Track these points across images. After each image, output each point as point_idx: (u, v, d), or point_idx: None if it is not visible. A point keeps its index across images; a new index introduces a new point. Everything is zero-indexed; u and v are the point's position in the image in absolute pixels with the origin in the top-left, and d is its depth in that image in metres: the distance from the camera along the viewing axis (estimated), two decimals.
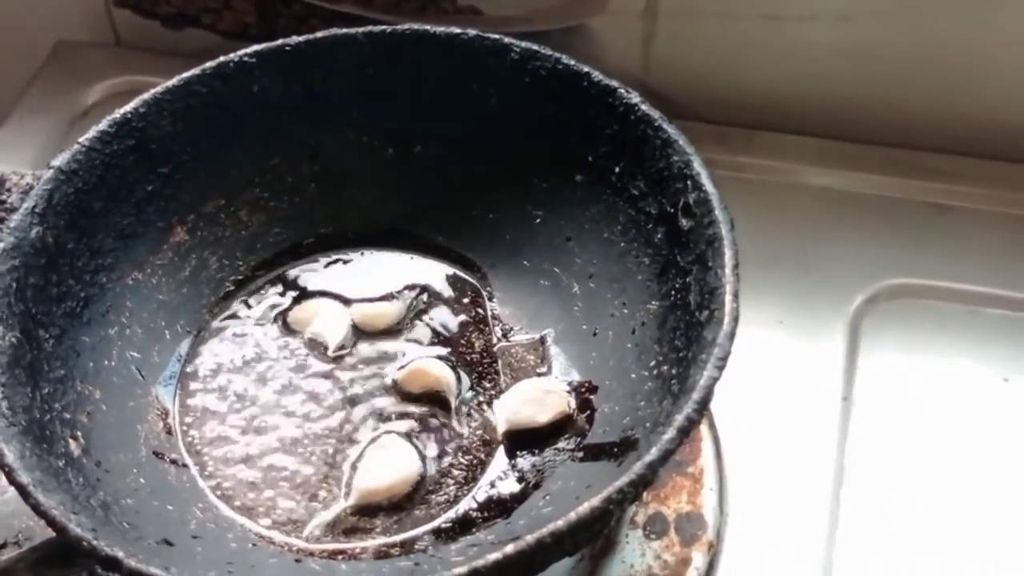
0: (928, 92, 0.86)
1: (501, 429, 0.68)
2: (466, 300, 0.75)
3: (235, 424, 0.69)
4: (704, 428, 0.73)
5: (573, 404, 0.68)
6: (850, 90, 0.87)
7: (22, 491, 0.56)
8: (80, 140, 0.69)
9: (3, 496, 0.70)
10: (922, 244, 0.83)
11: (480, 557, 0.53)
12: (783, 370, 0.76)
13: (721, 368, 0.58)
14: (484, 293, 0.75)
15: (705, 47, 0.88)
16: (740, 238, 0.61)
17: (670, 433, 0.56)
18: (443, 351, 0.72)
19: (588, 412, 0.67)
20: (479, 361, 0.72)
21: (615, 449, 0.64)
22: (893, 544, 0.69)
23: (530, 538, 0.53)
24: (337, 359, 0.72)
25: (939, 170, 0.87)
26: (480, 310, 0.74)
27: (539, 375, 0.71)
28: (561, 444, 0.67)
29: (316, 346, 0.73)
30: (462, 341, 0.73)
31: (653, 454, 0.55)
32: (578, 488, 0.63)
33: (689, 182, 0.65)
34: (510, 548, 0.53)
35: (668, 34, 0.88)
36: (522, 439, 0.68)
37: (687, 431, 0.56)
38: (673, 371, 0.63)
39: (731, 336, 0.59)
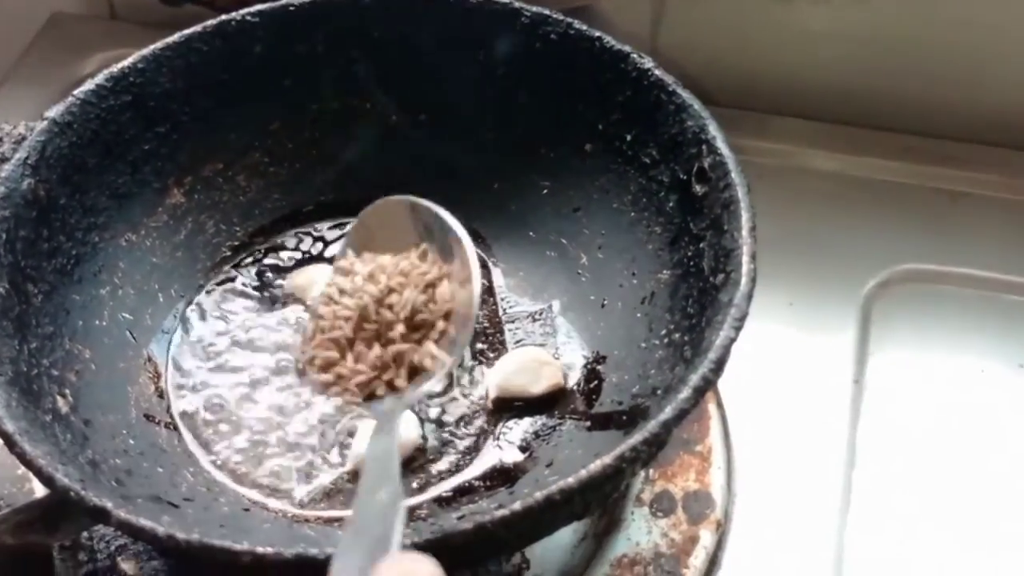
0: (943, 78, 0.84)
1: (491, 395, 0.66)
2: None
3: (228, 390, 0.67)
4: (712, 407, 0.71)
5: (569, 377, 0.67)
6: (863, 75, 0.85)
7: (7, 439, 0.54)
8: (75, 93, 0.67)
9: None
10: (935, 230, 0.81)
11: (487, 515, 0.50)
12: (793, 352, 0.75)
13: (739, 328, 0.56)
14: (489, 263, 0.73)
15: (715, 30, 0.86)
16: None
17: (685, 392, 0.54)
18: None
19: (596, 382, 0.65)
20: (483, 331, 0.70)
21: (624, 418, 0.62)
22: (905, 527, 0.68)
23: (539, 495, 0.51)
24: None
25: (952, 156, 0.86)
26: (484, 280, 0.72)
27: (543, 345, 0.69)
28: (568, 413, 0.65)
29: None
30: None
31: (668, 413, 0.53)
32: (586, 457, 0.60)
33: (704, 146, 0.63)
34: (517, 505, 0.51)
35: (677, 16, 0.86)
36: (526, 408, 0.65)
37: (703, 390, 0.54)
38: (686, 338, 0.61)
39: (748, 296, 0.57)
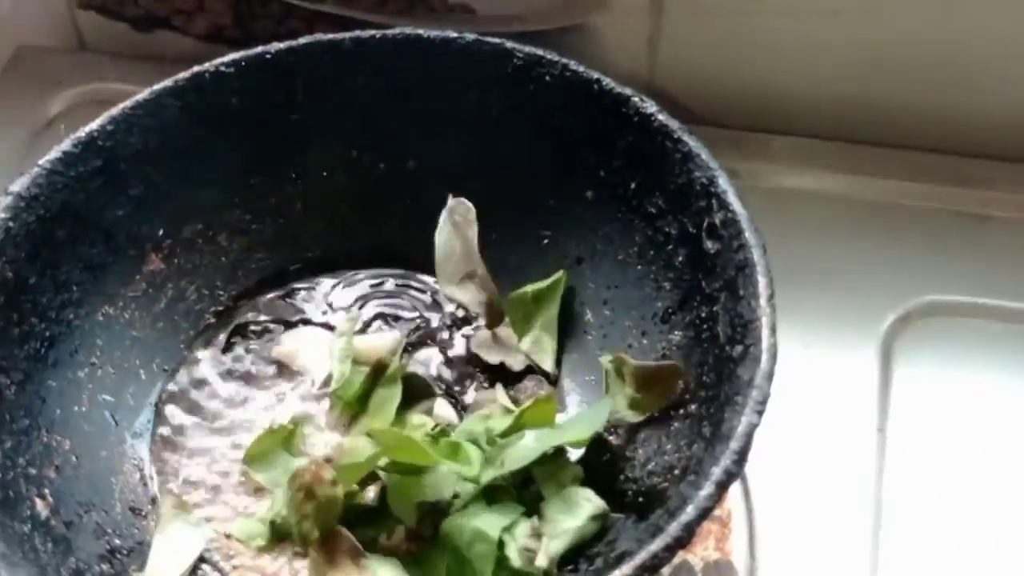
0: (962, 92, 0.80)
1: None
2: (467, 328, 0.69)
3: (220, 475, 0.63)
4: None
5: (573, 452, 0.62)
6: (875, 91, 0.81)
7: None
8: (40, 162, 0.62)
9: None
10: (958, 257, 0.77)
11: None
12: (811, 400, 0.71)
13: (761, 413, 0.53)
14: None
15: (716, 46, 0.82)
16: None
17: (707, 489, 0.51)
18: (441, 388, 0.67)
19: (607, 455, 0.61)
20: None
21: (639, 500, 0.58)
22: None
23: None
24: (324, 394, 0.66)
25: (975, 176, 0.81)
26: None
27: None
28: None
29: (303, 381, 0.67)
30: (464, 377, 0.67)
31: (690, 513, 0.50)
32: (601, 546, 0.58)
33: (714, 200, 0.60)
34: None
35: (675, 32, 0.82)
36: None
37: (726, 485, 0.51)
38: (703, 411, 0.57)
39: (770, 376, 0.54)
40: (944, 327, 0.74)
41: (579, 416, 0.64)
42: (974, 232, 0.79)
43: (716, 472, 0.51)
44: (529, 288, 0.67)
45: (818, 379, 0.72)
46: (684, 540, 0.50)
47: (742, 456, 0.52)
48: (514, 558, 0.56)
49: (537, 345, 0.67)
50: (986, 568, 0.65)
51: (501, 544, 0.56)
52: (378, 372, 0.64)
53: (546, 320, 0.67)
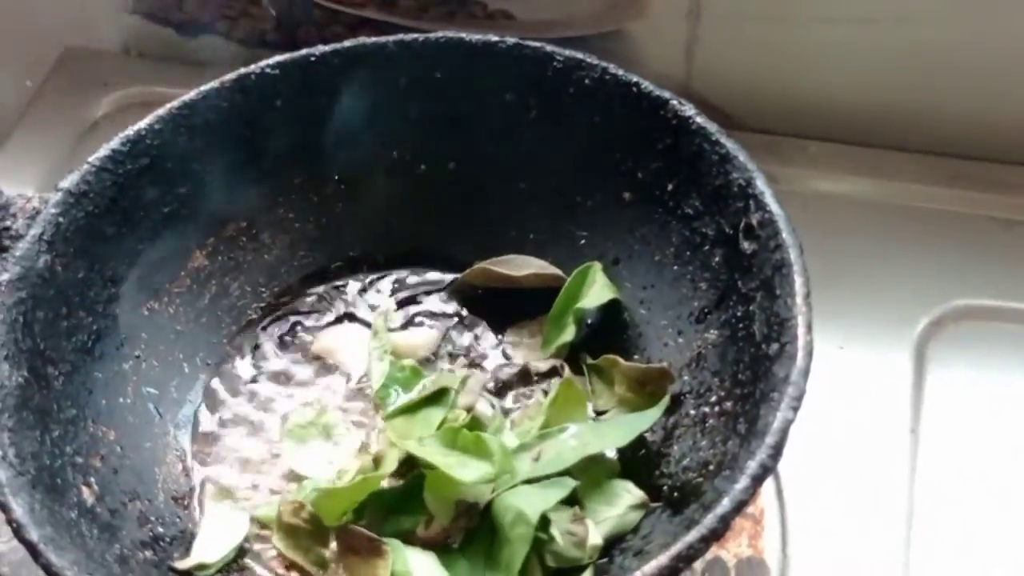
0: (995, 99, 0.80)
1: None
2: (506, 323, 0.70)
3: (263, 465, 0.65)
4: None
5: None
6: (909, 97, 0.82)
7: (32, 550, 0.52)
8: (90, 160, 0.64)
9: (11, 543, 0.65)
10: (991, 262, 0.77)
11: None
12: (845, 400, 0.71)
13: (796, 409, 0.53)
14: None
15: (753, 52, 0.82)
16: None
17: (743, 482, 0.51)
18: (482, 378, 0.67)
19: (643, 451, 0.62)
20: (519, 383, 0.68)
21: (675, 495, 0.59)
22: None
23: None
24: (361, 390, 0.67)
25: (1008, 182, 0.82)
26: (521, 336, 0.69)
27: None
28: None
29: (341, 376, 0.68)
30: (503, 370, 0.68)
31: (725, 505, 0.51)
32: (636, 538, 0.58)
33: (752, 201, 0.60)
34: None
35: (713, 38, 0.82)
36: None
37: (761, 479, 0.52)
38: (738, 408, 0.58)
39: (806, 373, 0.54)
40: (976, 331, 0.74)
41: (620, 420, 0.64)
42: (1006, 237, 0.79)
43: (752, 466, 0.52)
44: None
45: (852, 380, 0.72)
46: (719, 532, 0.51)
47: (777, 451, 0.52)
48: (559, 541, 0.57)
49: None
50: (1018, 568, 0.65)
51: (545, 526, 0.57)
52: (436, 396, 0.65)
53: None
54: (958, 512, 0.67)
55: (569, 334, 0.67)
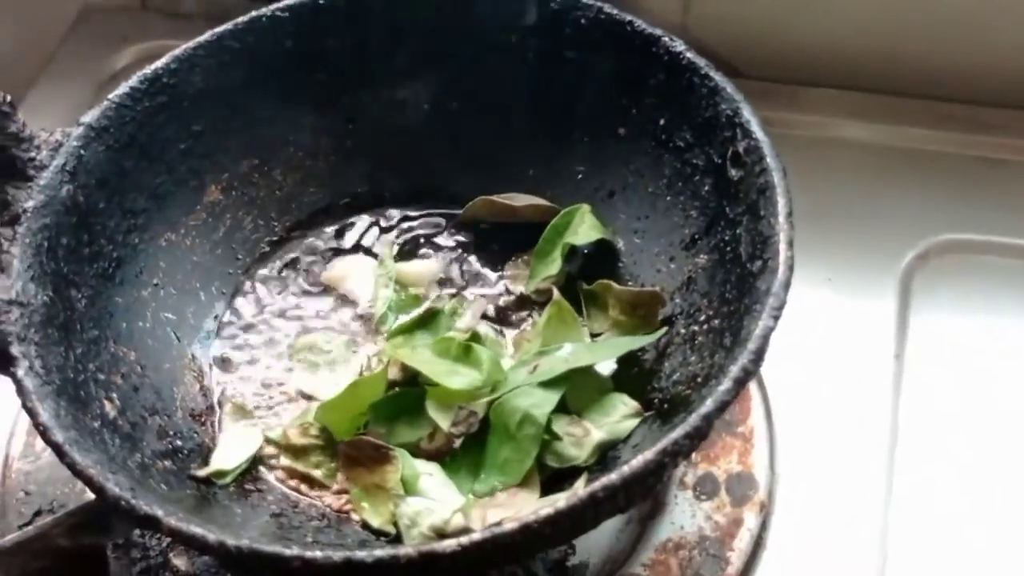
0: (980, 43, 0.83)
1: None
2: (507, 256, 0.73)
3: (274, 386, 0.68)
4: (753, 387, 0.71)
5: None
6: (898, 43, 0.84)
7: (57, 450, 0.54)
8: (110, 96, 0.67)
9: (37, 463, 0.69)
10: (974, 199, 0.80)
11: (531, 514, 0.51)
12: (833, 328, 0.74)
13: (777, 318, 0.56)
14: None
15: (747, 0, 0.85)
16: None
17: (726, 384, 0.54)
18: (482, 305, 0.71)
19: (636, 369, 0.65)
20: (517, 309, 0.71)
21: (665, 406, 0.62)
22: (950, 503, 0.67)
23: (582, 493, 0.51)
24: (366, 317, 0.71)
25: (991, 124, 0.84)
26: (520, 267, 0.72)
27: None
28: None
29: (349, 304, 0.71)
30: (501, 298, 0.71)
31: (709, 405, 0.54)
32: (627, 448, 0.61)
33: (738, 130, 0.63)
34: (562, 503, 0.51)
35: None
36: None
37: (743, 381, 0.54)
38: (725, 324, 0.61)
39: (786, 285, 0.57)
40: (960, 263, 0.77)
41: (614, 341, 0.67)
42: (990, 175, 0.82)
43: (734, 370, 0.54)
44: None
45: (840, 310, 0.75)
46: (703, 430, 0.53)
47: (759, 356, 0.55)
48: (561, 440, 0.60)
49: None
50: (993, 481, 0.68)
51: (548, 427, 0.60)
52: (427, 317, 0.69)
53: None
54: (940, 431, 0.70)
55: (555, 267, 0.70)
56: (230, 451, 0.64)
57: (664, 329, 0.65)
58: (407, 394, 0.64)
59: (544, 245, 0.70)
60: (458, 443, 0.63)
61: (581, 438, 0.61)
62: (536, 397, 0.61)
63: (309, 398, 0.67)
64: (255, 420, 0.66)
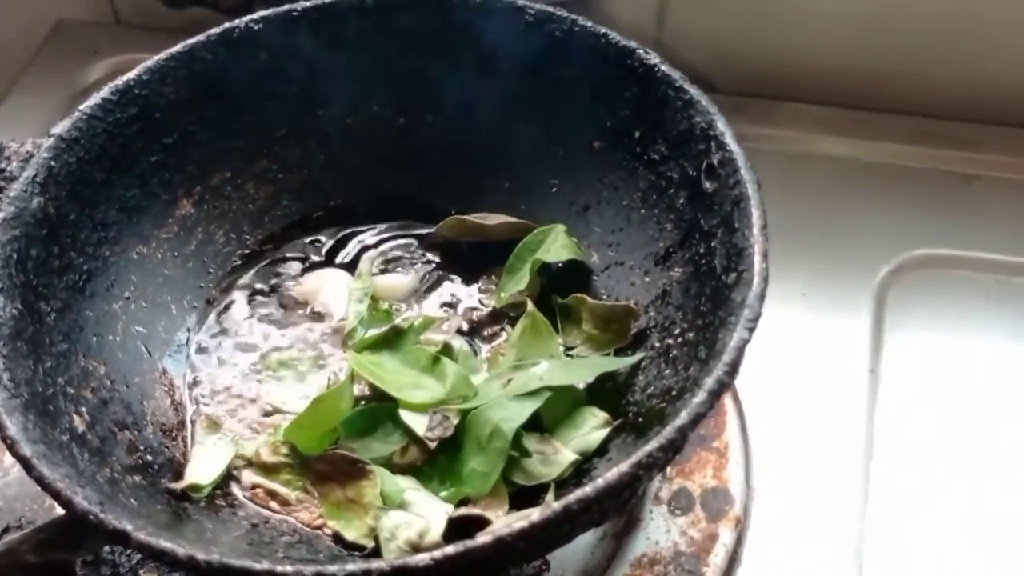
0: (953, 59, 0.84)
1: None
2: (481, 271, 0.73)
3: (244, 400, 0.67)
4: (729, 402, 0.71)
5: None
6: (873, 59, 0.85)
7: (25, 464, 0.54)
8: (81, 108, 0.66)
9: (5, 478, 0.68)
10: (948, 214, 0.81)
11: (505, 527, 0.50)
12: (808, 343, 0.74)
13: (752, 330, 0.56)
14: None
15: (722, 15, 0.86)
16: None
17: (700, 396, 0.54)
18: (457, 321, 0.70)
19: (610, 383, 0.65)
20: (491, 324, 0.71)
21: (639, 420, 0.61)
22: (925, 517, 0.67)
23: (556, 505, 0.51)
24: (338, 331, 0.70)
25: (965, 139, 0.85)
26: (495, 283, 0.72)
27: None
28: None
29: (322, 318, 0.71)
30: (475, 313, 0.71)
31: (683, 418, 0.53)
32: (602, 462, 0.61)
33: (712, 143, 0.63)
34: (536, 516, 0.50)
35: (683, 2, 0.85)
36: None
37: (718, 394, 0.54)
38: (699, 337, 0.60)
39: (761, 297, 0.57)
40: (934, 278, 0.78)
41: (590, 361, 0.67)
42: (962, 190, 0.82)
43: (708, 382, 0.54)
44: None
45: (815, 324, 0.75)
46: (677, 443, 0.53)
47: (733, 368, 0.55)
48: (531, 460, 0.60)
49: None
50: (968, 495, 0.68)
51: (519, 443, 0.60)
52: (392, 336, 0.68)
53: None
54: (914, 445, 0.70)
55: (523, 283, 0.69)
56: (204, 465, 0.63)
57: (639, 355, 0.64)
58: (378, 409, 0.63)
59: (514, 261, 0.70)
60: (433, 446, 0.62)
61: (550, 456, 0.61)
62: (508, 411, 0.60)
63: (279, 412, 0.66)
64: (227, 434, 0.66)
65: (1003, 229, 0.79)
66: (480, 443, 0.60)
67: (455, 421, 0.62)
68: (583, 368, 0.65)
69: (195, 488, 0.62)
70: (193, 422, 0.67)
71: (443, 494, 0.61)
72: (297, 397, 0.67)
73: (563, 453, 0.61)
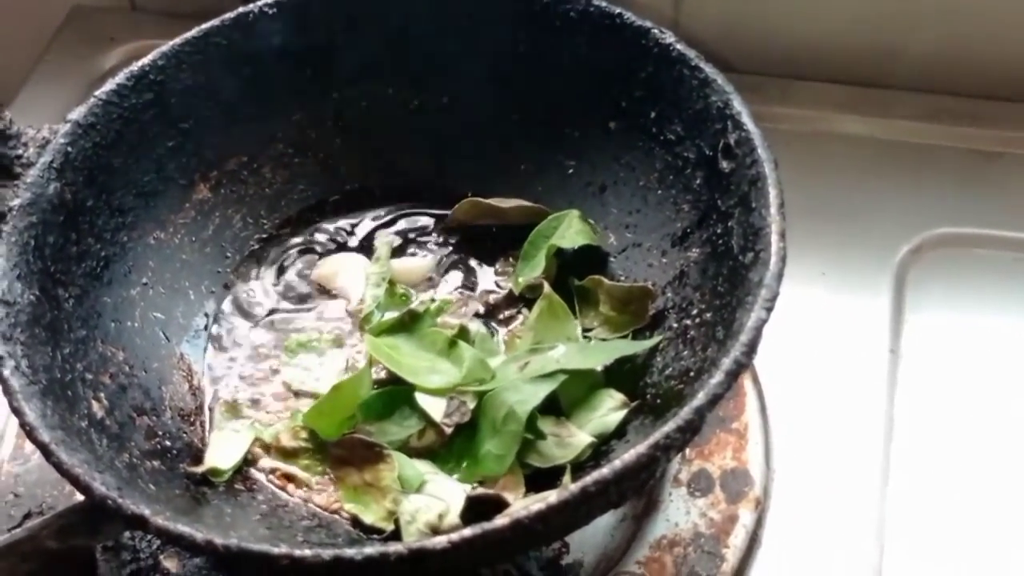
0: (973, 35, 0.83)
1: None
2: (498, 254, 0.73)
3: (263, 383, 0.67)
4: (748, 383, 0.70)
5: None
6: (891, 36, 0.84)
7: (44, 449, 0.54)
8: (97, 93, 0.66)
9: (26, 465, 0.69)
10: (968, 192, 0.80)
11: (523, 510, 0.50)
12: (827, 323, 0.74)
13: (769, 309, 0.55)
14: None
15: None
16: None
17: (718, 376, 0.53)
18: (474, 304, 0.70)
19: (628, 364, 0.65)
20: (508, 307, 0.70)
21: (657, 401, 0.61)
22: (945, 497, 0.67)
23: (574, 487, 0.51)
24: (355, 313, 0.70)
25: (985, 116, 0.84)
26: (511, 265, 0.72)
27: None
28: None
29: (338, 301, 0.71)
30: (491, 296, 0.71)
31: (700, 399, 0.53)
32: (620, 444, 0.61)
33: (729, 122, 0.63)
34: (553, 498, 0.50)
35: None
36: None
37: (735, 374, 0.54)
38: (717, 317, 0.60)
39: (779, 277, 0.56)
40: (954, 257, 0.77)
41: (607, 345, 0.67)
42: (983, 168, 0.82)
43: (726, 362, 0.54)
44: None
45: (834, 304, 0.75)
46: (695, 424, 0.53)
47: (751, 348, 0.54)
48: (546, 443, 0.60)
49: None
50: (988, 475, 0.68)
51: (534, 426, 0.60)
52: (409, 320, 0.68)
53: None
54: (935, 425, 0.70)
55: (538, 270, 0.69)
56: (224, 449, 0.63)
57: (657, 339, 0.64)
58: (396, 392, 0.63)
59: (529, 248, 0.70)
60: (449, 432, 0.62)
61: (566, 438, 0.60)
62: (523, 393, 0.60)
63: (298, 394, 0.66)
64: (247, 418, 0.66)
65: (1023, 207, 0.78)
66: (495, 425, 0.60)
67: (471, 406, 0.62)
68: (600, 352, 0.65)
69: (215, 472, 0.62)
70: (211, 408, 0.67)
71: (458, 475, 0.61)
72: (315, 378, 0.67)
73: (578, 436, 0.61)
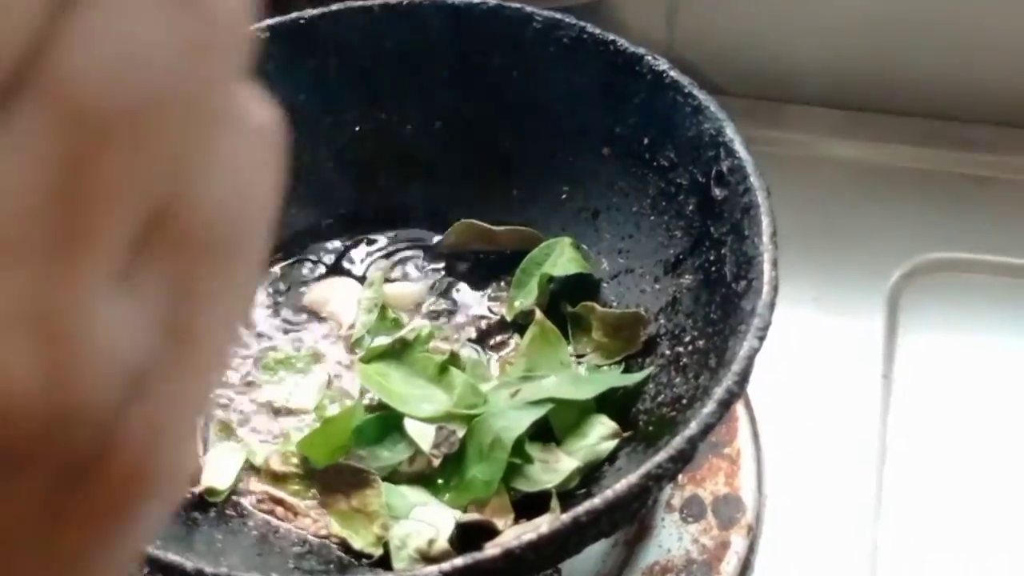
0: (964, 60, 0.83)
1: None
2: (490, 279, 0.72)
3: (255, 410, 0.67)
4: (740, 408, 0.70)
5: None
6: (884, 61, 0.84)
7: None
8: None
9: None
10: (961, 217, 0.80)
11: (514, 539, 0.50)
12: (820, 348, 0.74)
13: (762, 339, 0.55)
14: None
15: (732, 18, 0.85)
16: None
17: (710, 407, 0.53)
18: (465, 330, 0.70)
19: (620, 392, 0.65)
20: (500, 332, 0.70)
21: (649, 429, 0.61)
22: (938, 524, 0.67)
23: (565, 517, 0.51)
24: (350, 337, 0.70)
25: (977, 141, 0.84)
26: (503, 290, 0.72)
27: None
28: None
29: (330, 326, 0.71)
30: (483, 321, 0.71)
31: (693, 428, 0.53)
32: (611, 472, 0.61)
33: (722, 149, 0.63)
34: (545, 527, 0.50)
35: (693, 6, 0.85)
36: None
37: (728, 404, 0.54)
38: (709, 345, 0.60)
39: (771, 306, 0.56)
40: (946, 282, 0.77)
41: (599, 377, 0.66)
42: (975, 193, 0.82)
43: (719, 392, 0.54)
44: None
45: (827, 329, 0.75)
46: (688, 453, 0.53)
47: (743, 377, 0.55)
48: (533, 467, 0.60)
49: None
50: (982, 501, 0.68)
51: (520, 450, 0.59)
52: (403, 344, 0.68)
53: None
54: (928, 451, 0.70)
55: (531, 298, 0.69)
56: (220, 469, 0.63)
57: (647, 371, 0.64)
58: (387, 418, 0.63)
59: (521, 276, 0.70)
60: (438, 463, 0.62)
61: (552, 464, 0.60)
62: (510, 420, 0.60)
63: (285, 410, 0.67)
64: (240, 439, 0.66)
65: (1017, 232, 0.79)
66: (482, 451, 0.60)
67: (460, 435, 0.62)
68: (591, 383, 0.65)
69: (212, 492, 0.62)
70: (206, 425, 0.67)
71: (447, 498, 0.61)
72: (298, 396, 0.67)
73: (565, 461, 0.61)
